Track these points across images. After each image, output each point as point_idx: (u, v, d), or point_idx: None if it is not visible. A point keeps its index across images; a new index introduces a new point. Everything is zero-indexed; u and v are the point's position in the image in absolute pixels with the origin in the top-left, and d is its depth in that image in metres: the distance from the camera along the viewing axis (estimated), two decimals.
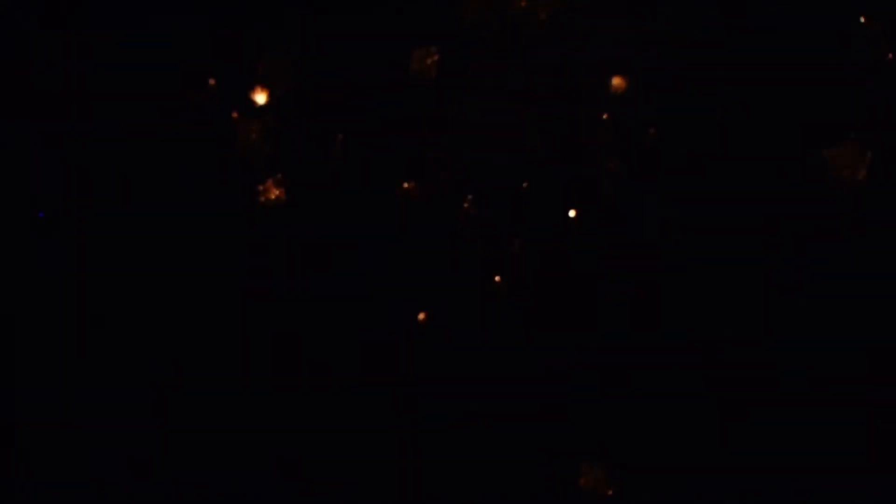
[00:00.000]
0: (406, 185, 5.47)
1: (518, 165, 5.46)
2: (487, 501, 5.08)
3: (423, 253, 5.38)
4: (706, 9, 5.48)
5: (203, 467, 5.16)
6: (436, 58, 5.54)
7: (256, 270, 5.39)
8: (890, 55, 5.37)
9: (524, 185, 5.44)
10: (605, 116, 5.46)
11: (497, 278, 5.36)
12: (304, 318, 5.35)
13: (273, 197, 5.48)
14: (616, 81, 5.50)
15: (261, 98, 5.61)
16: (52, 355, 5.26)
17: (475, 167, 5.47)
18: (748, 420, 5.13)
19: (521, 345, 5.27)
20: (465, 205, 5.43)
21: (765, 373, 5.17)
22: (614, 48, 5.54)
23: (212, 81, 5.53)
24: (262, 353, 5.30)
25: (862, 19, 5.40)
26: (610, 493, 5.03)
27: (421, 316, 5.30)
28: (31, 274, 5.33)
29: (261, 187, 5.47)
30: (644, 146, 5.43)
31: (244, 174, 5.51)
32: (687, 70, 5.48)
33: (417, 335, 5.32)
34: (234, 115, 5.55)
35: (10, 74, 5.53)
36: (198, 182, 5.47)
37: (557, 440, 5.17)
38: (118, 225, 5.41)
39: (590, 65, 5.52)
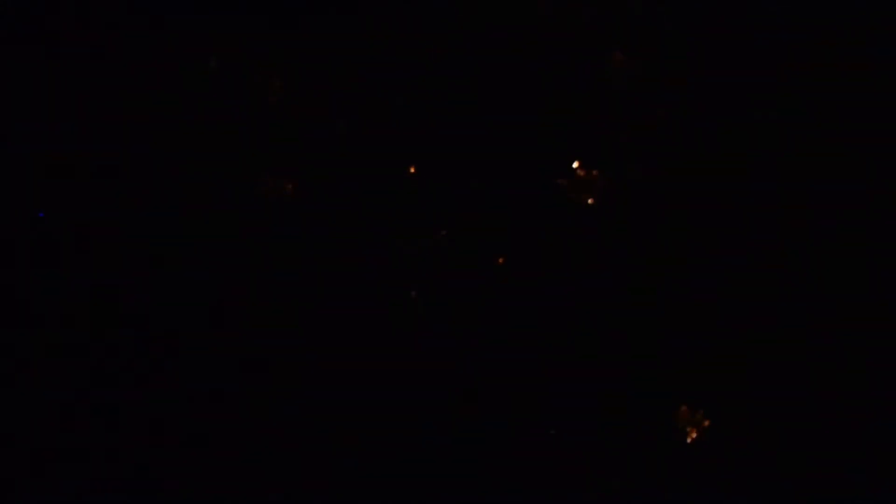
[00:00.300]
0: (405, 180, 5.48)
1: (516, 162, 5.48)
2: (486, 501, 5.09)
3: (423, 247, 5.39)
4: (706, 8, 5.48)
5: (202, 466, 5.16)
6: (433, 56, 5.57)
7: (258, 266, 5.40)
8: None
9: (521, 182, 5.45)
10: (604, 113, 5.48)
11: (500, 260, 5.37)
12: (305, 314, 5.35)
13: (275, 193, 5.49)
14: (617, 59, 5.49)
15: (264, 97, 5.62)
16: (52, 355, 5.26)
17: (474, 164, 5.48)
18: (750, 420, 5.13)
19: (520, 343, 5.28)
20: (465, 200, 5.45)
21: (763, 373, 5.17)
22: (614, 45, 5.55)
23: (212, 75, 5.55)
24: (262, 351, 5.31)
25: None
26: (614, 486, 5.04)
27: (414, 293, 5.31)
28: (31, 274, 5.34)
29: (263, 183, 5.48)
30: (645, 142, 5.44)
31: (246, 172, 5.52)
32: (688, 69, 5.48)
33: (418, 330, 5.33)
34: (237, 113, 5.57)
35: (10, 74, 5.53)
36: (199, 180, 5.47)
37: (556, 439, 5.17)
38: (118, 225, 5.41)
39: (589, 63, 5.52)
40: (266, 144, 5.55)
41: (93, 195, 5.44)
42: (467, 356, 5.28)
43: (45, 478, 5.10)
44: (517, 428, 5.19)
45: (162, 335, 5.30)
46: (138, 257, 5.38)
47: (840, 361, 5.16)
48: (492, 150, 5.52)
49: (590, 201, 5.41)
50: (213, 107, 5.57)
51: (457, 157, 5.53)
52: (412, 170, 5.50)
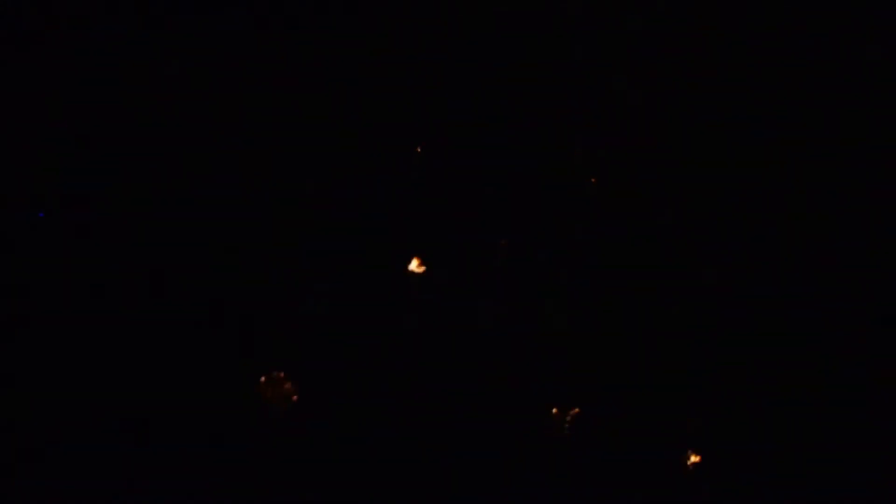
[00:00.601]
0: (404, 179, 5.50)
1: (515, 163, 5.49)
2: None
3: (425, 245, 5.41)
4: (706, 9, 5.50)
5: (202, 465, 5.16)
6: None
7: (258, 266, 5.41)
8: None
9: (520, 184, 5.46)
10: (602, 116, 5.49)
11: (503, 242, 5.37)
12: (304, 313, 5.36)
13: (274, 194, 5.50)
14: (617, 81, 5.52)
15: (263, 99, 5.64)
16: (52, 354, 5.25)
17: (474, 164, 5.50)
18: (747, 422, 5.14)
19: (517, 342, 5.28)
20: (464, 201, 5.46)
21: (760, 375, 5.18)
22: (614, 49, 5.56)
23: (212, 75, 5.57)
24: (261, 351, 5.31)
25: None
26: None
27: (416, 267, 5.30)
28: (30, 273, 5.34)
29: (263, 185, 5.50)
30: (642, 145, 5.45)
31: (245, 173, 5.53)
32: (687, 70, 5.50)
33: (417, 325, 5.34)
34: (236, 114, 5.59)
35: (10, 74, 5.54)
36: (196, 179, 5.48)
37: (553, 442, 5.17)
38: (119, 224, 5.42)
39: (589, 65, 5.54)
40: (267, 142, 5.58)
41: (92, 195, 5.45)
42: (465, 353, 5.29)
43: (45, 477, 5.09)
44: (515, 428, 5.20)
45: (160, 334, 5.30)
46: (138, 257, 5.38)
47: (841, 365, 5.17)
48: (493, 150, 5.54)
49: (593, 180, 5.41)
50: (212, 106, 5.59)
51: (457, 154, 5.56)
52: (418, 149, 5.52)
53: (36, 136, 5.51)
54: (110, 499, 5.07)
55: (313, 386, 5.25)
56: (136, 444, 5.14)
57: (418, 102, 5.58)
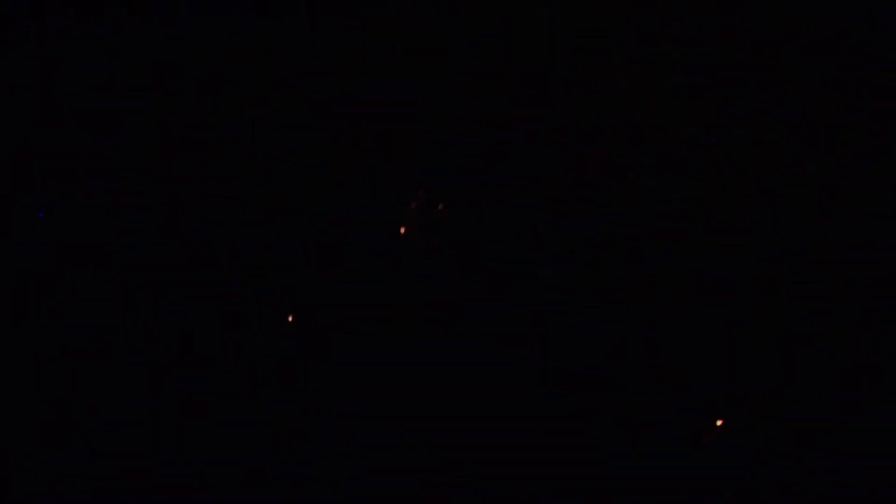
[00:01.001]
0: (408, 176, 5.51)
1: (516, 165, 5.49)
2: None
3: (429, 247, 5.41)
4: (709, 10, 5.51)
5: (202, 463, 5.15)
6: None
7: (254, 268, 5.41)
8: None
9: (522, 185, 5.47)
10: (606, 116, 5.50)
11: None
12: (301, 316, 5.36)
13: (272, 194, 5.50)
14: (620, 82, 5.53)
15: (260, 100, 5.65)
16: (51, 354, 5.26)
17: (474, 165, 5.50)
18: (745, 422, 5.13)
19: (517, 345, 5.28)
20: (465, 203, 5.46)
21: (758, 373, 5.17)
22: (616, 50, 5.57)
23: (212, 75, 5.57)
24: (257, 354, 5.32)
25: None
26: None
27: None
28: (30, 273, 5.34)
29: (262, 185, 5.50)
30: (646, 147, 5.45)
31: (243, 174, 5.53)
32: (689, 72, 5.50)
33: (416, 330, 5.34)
34: (233, 115, 5.59)
35: (10, 74, 5.55)
36: (193, 180, 5.49)
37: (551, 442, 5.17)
38: (118, 224, 5.43)
39: (589, 67, 5.54)
40: (266, 141, 5.59)
41: (92, 195, 5.46)
42: (467, 351, 5.28)
43: (45, 478, 5.09)
44: (516, 428, 5.19)
45: (158, 335, 5.30)
46: (137, 256, 5.39)
47: (843, 363, 5.16)
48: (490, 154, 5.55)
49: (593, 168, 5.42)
50: (211, 106, 5.60)
51: (458, 154, 5.56)
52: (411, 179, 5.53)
53: (36, 136, 5.52)
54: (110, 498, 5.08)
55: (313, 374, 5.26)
56: (136, 442, 5.15)
57: (418, 101, 5.59)
